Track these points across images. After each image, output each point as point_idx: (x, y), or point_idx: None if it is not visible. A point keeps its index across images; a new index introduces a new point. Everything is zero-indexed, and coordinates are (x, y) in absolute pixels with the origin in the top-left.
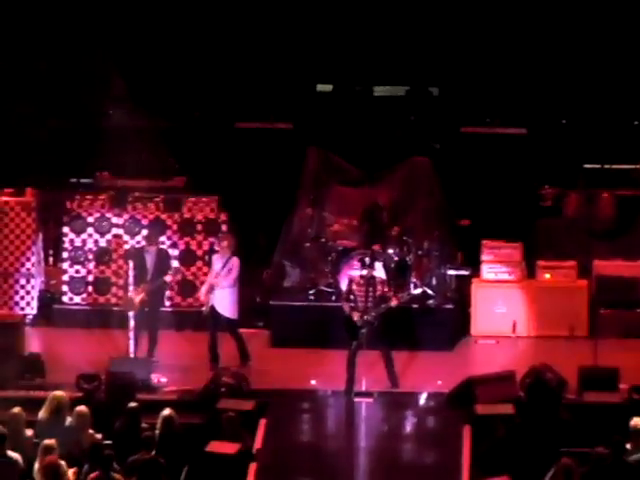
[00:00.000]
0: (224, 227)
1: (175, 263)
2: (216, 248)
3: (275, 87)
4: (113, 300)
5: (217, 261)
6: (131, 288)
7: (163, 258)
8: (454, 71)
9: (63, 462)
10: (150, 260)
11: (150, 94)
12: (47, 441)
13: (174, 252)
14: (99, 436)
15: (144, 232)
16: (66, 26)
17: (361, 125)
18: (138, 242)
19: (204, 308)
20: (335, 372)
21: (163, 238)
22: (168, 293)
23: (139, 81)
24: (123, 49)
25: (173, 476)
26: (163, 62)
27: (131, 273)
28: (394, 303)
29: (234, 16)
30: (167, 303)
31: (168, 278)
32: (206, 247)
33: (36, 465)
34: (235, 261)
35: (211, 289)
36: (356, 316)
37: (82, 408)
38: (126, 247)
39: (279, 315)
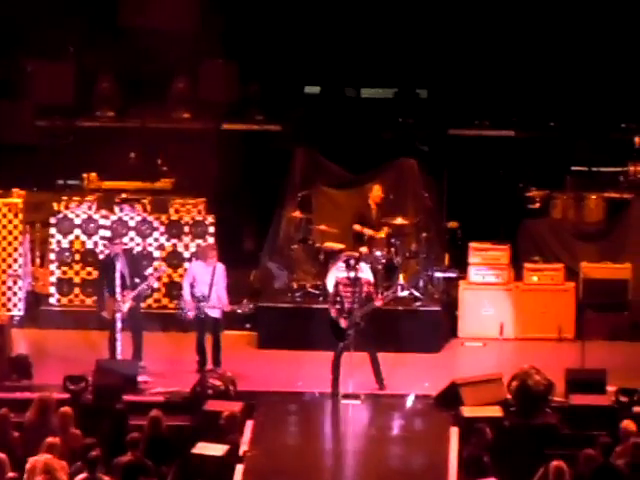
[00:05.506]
0: (212, 229)
1: (150, 269)
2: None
3: (263, 89)
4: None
5: (201, 270)
6: (118, 296)
7: (133, 259)
8: (442, 73)
9: (64, 462)
10: (122, 265)
11: (139, 96)
12: (51, 439)
13: (161, 254)
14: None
15: (131, 234)
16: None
17: (349, 127)
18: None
19: (187, 312)
20: (322, 374)
21: (126, 239)
22: (154, 295)
23: (127, 82)
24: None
25: (160, 478)
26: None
27: (118, 282)
28: (378, 303)
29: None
30: (154, 305)
31: (152, 281)
32: (193, 249)
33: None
34: (222, 269)
35: (203, 299)
36: (342, 318)
37: (65, 408)
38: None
39: (266, 317)
